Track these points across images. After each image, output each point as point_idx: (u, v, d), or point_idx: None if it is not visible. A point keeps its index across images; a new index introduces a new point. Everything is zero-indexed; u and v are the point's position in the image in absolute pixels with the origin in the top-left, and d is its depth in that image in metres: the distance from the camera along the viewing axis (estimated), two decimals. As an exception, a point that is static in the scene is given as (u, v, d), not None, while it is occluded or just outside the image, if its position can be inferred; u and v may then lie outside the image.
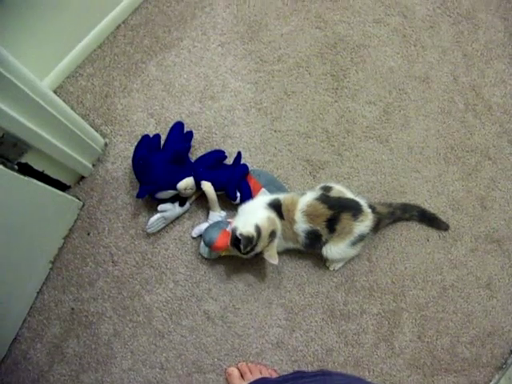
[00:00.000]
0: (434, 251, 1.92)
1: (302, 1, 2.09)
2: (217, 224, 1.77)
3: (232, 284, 1.86)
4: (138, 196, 1.73)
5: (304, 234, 1.67)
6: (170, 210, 1.80)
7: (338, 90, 2.01)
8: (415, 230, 1.92)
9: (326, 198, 1.69)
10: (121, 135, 1.92)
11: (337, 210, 1.65)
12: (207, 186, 1.75)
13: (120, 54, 1.99)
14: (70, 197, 1.84)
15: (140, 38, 2.01)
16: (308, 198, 1.68)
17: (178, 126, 1.84)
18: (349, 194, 1.76)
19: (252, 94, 1.98)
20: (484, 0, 2.17)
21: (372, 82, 2.02)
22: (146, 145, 1.78)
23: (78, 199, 1.88)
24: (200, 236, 1.85)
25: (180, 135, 1.83)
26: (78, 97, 1.95)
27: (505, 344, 1.89)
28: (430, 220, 1.91)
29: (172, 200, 1.81)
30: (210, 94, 1.98)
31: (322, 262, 1.82)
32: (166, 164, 1.70)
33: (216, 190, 1.76)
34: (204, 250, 1.83)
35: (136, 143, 1.82)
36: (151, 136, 1.82)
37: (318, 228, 1.66)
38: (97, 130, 1.90)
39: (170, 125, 1.88)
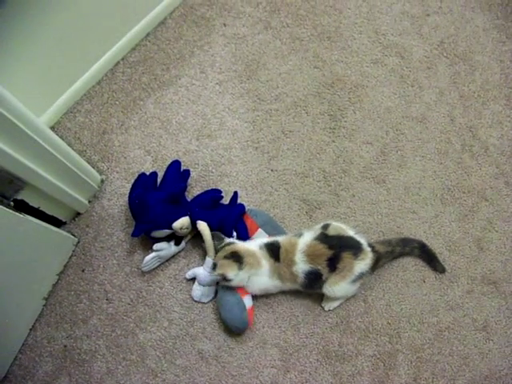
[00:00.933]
0: (430, 292, 1.98)
1: (300, 40, 2.20)
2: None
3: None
4: (134, 235, 1.80)
5: (304, 274, 1.73)
6: (166, 249, 1.87)
7: (336, 129, 2.11)
8: (411, 272, 1.99)
9: (325, 237, 1.75)
10: (117, 172, 2.01)
11: (337, 249, 1.72)
12: (203, 226, 1.82)
13: (118, 90, 2.10)
14: (65, 233, 1.90)
15: (138, 75, 2.12)
16: (307, 238, 1.76)
17: (176, 164, 1.93)
18: (349, 231, 1.83)
19: (249, 133, 2.08)
20: (480, 42, 2.28)
21: (369, 122, 2.12)
22: (143, 183, 1.86)
23: (74, 236, 1.95)
24: (193, 279, 1.91)
25: (177, 174, 1.91)
26: (75, 133, 2.05)
27: None
28: (429, 257, 1.98)
29: (167, 239, 1.88)
30: (208, 132, 2.07)
31: (317, 302, 1.88)
32: (162, 203, 1.78)
33: (212, 229, 1.83)
34: (196, 293, 1.89)
35: (133, 181, 1.91)
36: (148, 174, 1.90)
37: (319, 268, 1.73)
38: (93, 167, 1.98)
39: (167, 162, 1.97)
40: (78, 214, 1.98)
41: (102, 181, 1.99)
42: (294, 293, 1.90)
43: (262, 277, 1.79)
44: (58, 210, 1.87)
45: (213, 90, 2.12)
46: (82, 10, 1.86)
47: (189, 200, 1.90)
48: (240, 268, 1.73)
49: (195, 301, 1.91)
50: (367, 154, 2.08)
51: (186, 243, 1.94)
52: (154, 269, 1.93)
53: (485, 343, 1.95)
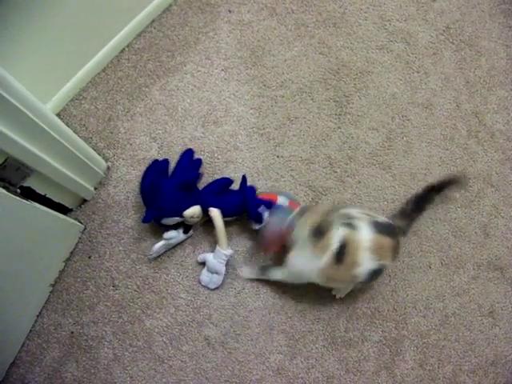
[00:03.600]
0: (436, 278, 2.00)
1: (306, 26, 2.20)
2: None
3: (233, 310, 1.93)
4: (144, 221, 1.81)
5: (368, 272, 1.64)
6: (175, 237, 1.89)
7: (341, 116, 2.12)
8: (417, 257, 2.00)
9: (381, 226, 1.63)
10: (123, 159, 2.02)
11: (396, 237, 1.68)
12: (215, 213, 1.83)
13: (124, 77, 2.10)
14: (71, 220, 1.92)
15: (144, 62, 2.12)
16: (366, 232, 1.61)
17: (188, 153, 1.95)
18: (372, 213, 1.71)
19: (255, 119, 2.08)
20: (486, 27, 2.28)
21: (375, 109, 2.12)
22: (156, 170, 1.87)
23: (80, 222, 1.96)
24: (202, 264, 1.93)
25: (190, 163, 1.93)
26: (81, 120, 2.05)
27: (508, 373, 1.95)
28: (444, 185, 1.96)
29: (175, 226, 1.89)
30: (213, 118, 2.08)
31: (322, 288, 1.88)
32: (175, 191, 1.79)
33: (224, 216, 1.84)
34: (204, 279, 1.92)
35: (139, 167, 1.94)
36: (160, 160, 1.91)
37: (386, 262, 1.66)
38: (99, 154, 1.99)
39: (173, 149, 1.99)
40: (85, 201, 2.00)
41: (108, 168, 2.00)
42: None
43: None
44: (65, 197, 1.89)
45: (218, 77, 2.12)
46: (87, -4, 1.83)
47: (200, 189, 1.90)
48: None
49: (202, 286, 1.93)
50: (373, 140, 2.08)
51: (194, 231, 1.93)
52: (160, 255, 1.94)
53: (491, 329, 1.97)
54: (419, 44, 2.23)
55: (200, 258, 1.91)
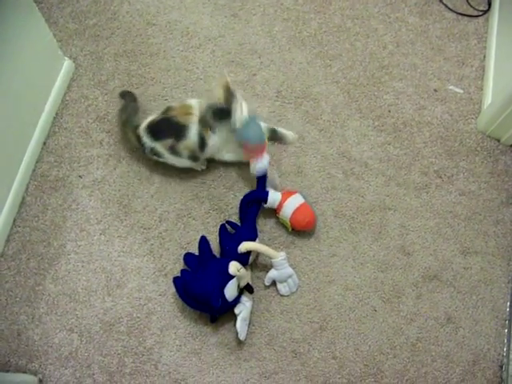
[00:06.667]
0: (386, 317, 2.11)
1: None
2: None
3: None
4: (213, 321, 2.05)
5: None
6: (244, 308, 2.01)
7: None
8: (359, 307, 2.14)
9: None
10: (51, 364, 2.03)
11: None
12: (246, 246, 2.00)
13: (13, 287, 2.12)
14: None
15: (25, 264, 2.16)
16: None
17: (203, 240, 2.11)
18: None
19: (153, 264, 2.15)
20: (311, 75, 2.54)
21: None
22: (182, 283, 2.01)
23: None
24: (273, 283, 2.13)
25: (206, 246, 2.09)
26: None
27: (492, 364, 2.08)
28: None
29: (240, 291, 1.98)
30: (115, 283, 2.12)
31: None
32: (207, 282, 1.93)
33: (250, 239, 2.06)
34: (284, 290, 2.14)
35: (74, 362, 2.03)
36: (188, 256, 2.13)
37: None
38: (25, 372, 2.01)
39: (93, 331, 2.03)
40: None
41: (40, 380, 2.00)
42: None
43: None
44: None
45: (100, 242, 2.19)
46: None
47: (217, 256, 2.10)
48: None
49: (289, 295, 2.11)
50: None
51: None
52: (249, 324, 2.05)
53: (456, 333, 2.11)
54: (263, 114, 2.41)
55: (267, 281, 2.07)
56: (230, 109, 1.99)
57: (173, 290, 2.09)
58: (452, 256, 2.23)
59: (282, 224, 2.20)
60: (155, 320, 2.10)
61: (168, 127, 2.08)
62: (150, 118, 2.11)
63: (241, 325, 1.97)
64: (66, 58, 2.46)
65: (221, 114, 2.03)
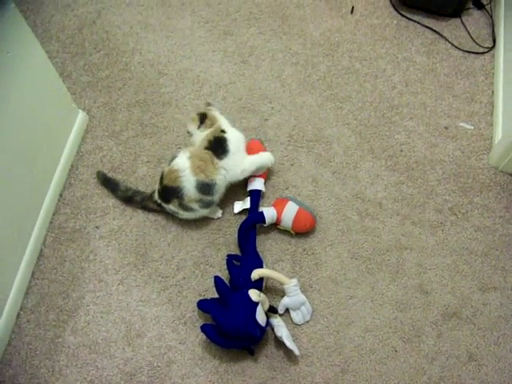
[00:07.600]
0: (407, 357, 2.11)
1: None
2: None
3: None
4: (253, 354, 2.10)
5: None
6: (279, 326, 2.06)
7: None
8: (380, 349, 2.13)
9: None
10: None
11: None
12: (257, 273, 2.07)
13: (32, 340, 2.15)
14: None
15: (44, 316, 2.19)
16: None
17: (218, 280, 2.10)
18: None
19: (171, 312, 2.17)
20: (321, 117, 2.60)
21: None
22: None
23: None
24: (287, 311, 2.17)
25: (224, 287, 2.10)
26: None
27: None
28: None
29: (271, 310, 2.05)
30: (135, 333, 2.14)
31: None
32: (238, 315, 1.99)
33: (259, 266, 2.14)
34: (298, 318, 2.17)
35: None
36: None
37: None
38: None
39: (114, 382, 2.05)
40: None
41: None
42: None
43: None
44: None
45: (118, 292, 2.21)
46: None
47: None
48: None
49: (302, 324, 2.16)
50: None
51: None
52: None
53: (479, 371, 2.09)
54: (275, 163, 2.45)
55: (280, 308, 2.09)
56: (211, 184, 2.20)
57: (192, 337, 2.12)
58: (470, 293, 2.23)
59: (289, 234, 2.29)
60: (176, 369, 2.10)
61: (168, 192, 2.23)
62: (156, 187, 2.30)
63: (290, 343, 2.01)
64: (80, 110, 2.54)
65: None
